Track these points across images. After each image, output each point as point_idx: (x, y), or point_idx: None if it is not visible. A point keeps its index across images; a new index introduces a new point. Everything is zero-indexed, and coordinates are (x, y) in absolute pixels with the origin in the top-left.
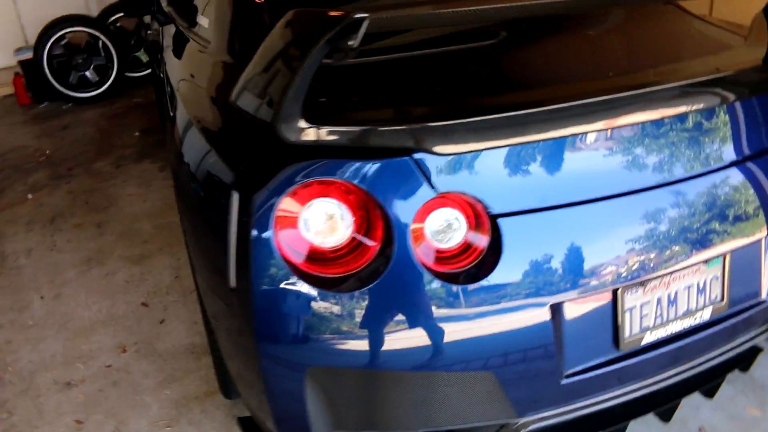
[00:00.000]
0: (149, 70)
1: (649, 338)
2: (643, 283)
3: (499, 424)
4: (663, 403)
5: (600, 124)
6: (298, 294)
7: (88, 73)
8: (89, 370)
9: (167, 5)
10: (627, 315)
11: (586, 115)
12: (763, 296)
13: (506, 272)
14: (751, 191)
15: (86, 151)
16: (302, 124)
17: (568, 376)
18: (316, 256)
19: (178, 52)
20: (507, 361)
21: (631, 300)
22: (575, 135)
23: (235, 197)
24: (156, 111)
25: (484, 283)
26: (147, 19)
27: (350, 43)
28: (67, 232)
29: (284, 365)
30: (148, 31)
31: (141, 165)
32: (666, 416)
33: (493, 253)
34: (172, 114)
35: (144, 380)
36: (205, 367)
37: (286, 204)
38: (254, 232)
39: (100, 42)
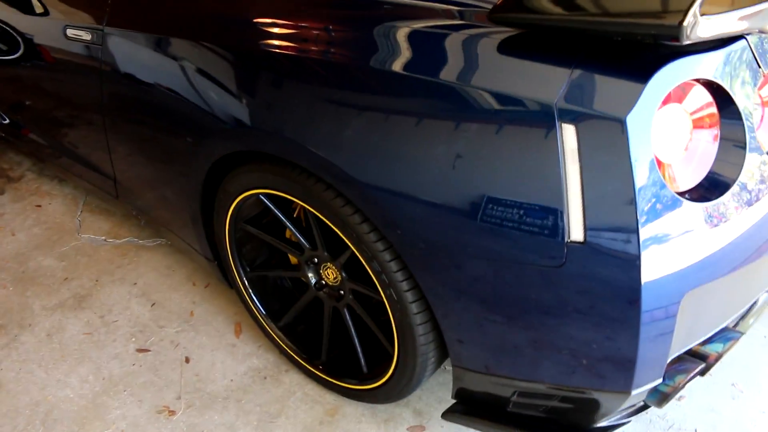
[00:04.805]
0: None
1: None
2: None
3: None
4: None
5: None
6: (682, 216)
7: None
8: None
9: None
10: None
11: None
12: None
13: None
14: None
15: None
16: (698, 17)
17: None
18: (681, 166)
19: None
20: None
21: None
22: None
23: (569, 130)
24: None
25: None
26: None
27: None
28: None
29: (663, 300)
30: None
31: None
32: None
33: None
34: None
35: None
36: (296, 385)
37: (657, 119)
38: (634, 164)
39: None
